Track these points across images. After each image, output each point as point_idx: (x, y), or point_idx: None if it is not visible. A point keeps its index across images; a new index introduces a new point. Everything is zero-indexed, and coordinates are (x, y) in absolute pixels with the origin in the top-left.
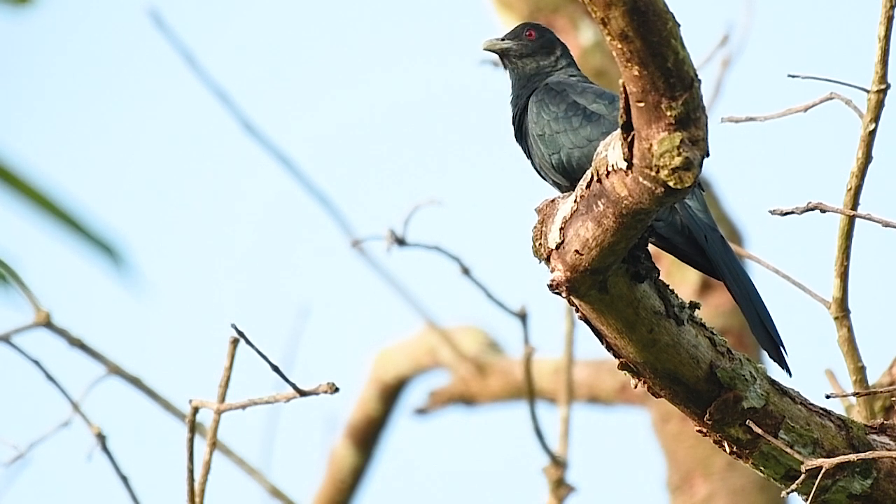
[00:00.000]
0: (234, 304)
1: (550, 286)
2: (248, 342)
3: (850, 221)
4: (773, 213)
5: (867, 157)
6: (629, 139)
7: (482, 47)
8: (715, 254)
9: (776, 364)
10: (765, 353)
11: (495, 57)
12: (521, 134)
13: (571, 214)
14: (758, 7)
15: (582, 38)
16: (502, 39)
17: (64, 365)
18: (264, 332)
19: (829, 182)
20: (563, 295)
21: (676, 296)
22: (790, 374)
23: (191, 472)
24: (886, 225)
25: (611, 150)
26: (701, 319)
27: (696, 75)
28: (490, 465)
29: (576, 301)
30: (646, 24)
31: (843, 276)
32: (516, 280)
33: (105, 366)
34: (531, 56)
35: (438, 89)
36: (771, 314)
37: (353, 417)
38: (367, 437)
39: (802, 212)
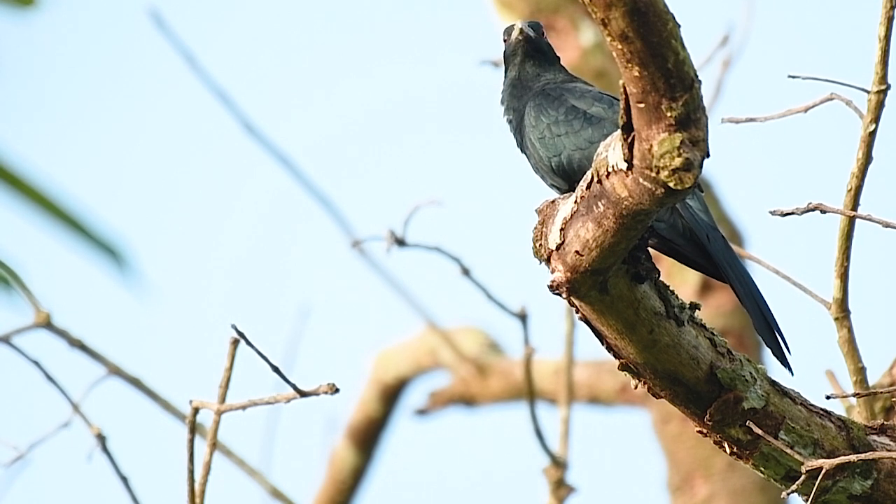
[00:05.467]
0: (234, 304)
1: (551, 287)
2: (248, 342)
3: (851, 222)
4: (773, 213)
5: (867, 158)
6: (629, 140)
7: (520, 26)
8: (718, 253)
9: (779, 363)
10: (765, 354)
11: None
12: (522, 141)
13: (572, 215)
14: (758, 7)
15: (582, 38)
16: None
17: (64, 365)
18: (264, 333)
19: (830, 182)
20: (564, 296)
21: (677, 296)
22: (792, 373)
23: (191, 472)
24: (886, 225)
25: (611, 150)
26: (701, 320)
27: (697, 76)
28: (490, 465)
29: (576, 302)
30: (646, 24)
31: (844, 276)
32: (516, 280)
33: (105, 366)
34: (543, 54)
35: (439, 89)
36: (774, 313)
37: (353, 418)
38: (368, 437)
39: (803, 212)
